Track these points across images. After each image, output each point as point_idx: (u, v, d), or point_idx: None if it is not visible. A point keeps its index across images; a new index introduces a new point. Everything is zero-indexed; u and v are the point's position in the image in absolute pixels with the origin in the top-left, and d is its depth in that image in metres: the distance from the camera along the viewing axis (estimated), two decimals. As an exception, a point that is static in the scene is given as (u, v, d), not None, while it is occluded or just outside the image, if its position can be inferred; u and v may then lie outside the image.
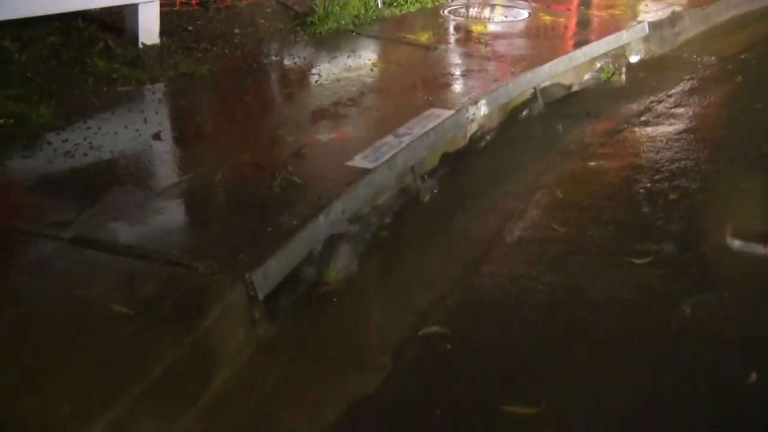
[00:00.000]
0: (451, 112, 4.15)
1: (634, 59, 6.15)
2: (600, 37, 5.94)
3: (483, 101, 4.41)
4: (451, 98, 4.44)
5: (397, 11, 6.47)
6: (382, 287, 3.08)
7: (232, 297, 2.54)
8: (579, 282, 3.06)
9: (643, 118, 4.87)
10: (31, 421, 1.98)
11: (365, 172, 3.42)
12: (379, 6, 6.32)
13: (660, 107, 5.05)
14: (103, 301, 2.41)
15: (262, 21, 5.64)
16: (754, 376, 2.43)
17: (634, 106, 5.10)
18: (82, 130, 3.69)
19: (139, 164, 3.42)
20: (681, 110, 4.99)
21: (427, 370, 2.59)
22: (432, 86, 4.68)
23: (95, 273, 2.58)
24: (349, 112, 4.20)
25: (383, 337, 2.76)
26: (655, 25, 6.45)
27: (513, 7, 6.94)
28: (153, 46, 4.81)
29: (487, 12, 6.76)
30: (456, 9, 6.75)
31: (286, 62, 5.06)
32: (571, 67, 5.44)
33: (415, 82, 4.78)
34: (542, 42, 5.97)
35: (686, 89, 5.41)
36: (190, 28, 5.22)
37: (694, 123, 4.78)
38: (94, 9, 4.71)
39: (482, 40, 5.80)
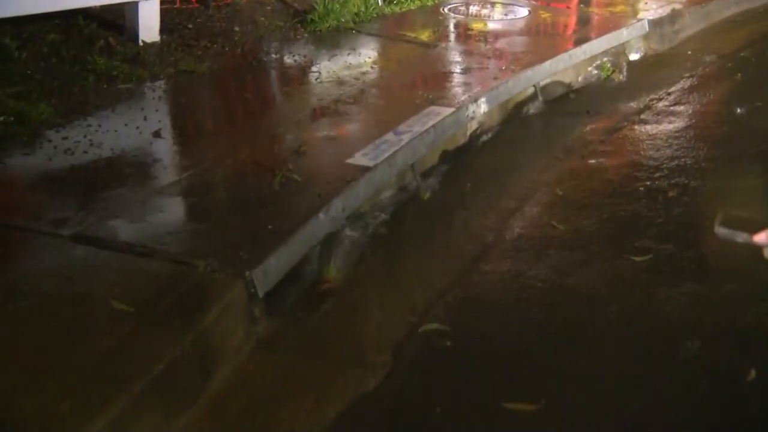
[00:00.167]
0: (451, 110, 4.15)
1: (634, 57, 6.15)
2: (600, 35, 5.93)
3: (483, 99, 4.41)
4: (452, 96, 4.44)
5: (397, 9, 6.46)
6: (382, 285, 3.09)
7: (233, 295, 2.54)
8: (578, 279, 3.06)
9: (642, 116, 4.87)
10: (32, 419, 1.98)
11: (365, 169, 3.42)
12: (380, 4, 6.32)
13: (660, 105, 5.05)
14: (103, 298, 2.42)
15: (262, 19, 5.63)
16: (753, 373, 2.43)
17: (634, 104, 5.10)
18: (83, 128, 3.69)
19: (139, 162, 3.43)
20: (681, 108, 4.99)
21: (427, 367, 2.59)
22: (432, 84, 4.68)
23: (95, 270, 2.59)
24: (349, 109, 4.20)
25: (383, 335, 2.76)
26: (655, 23, 6.44)
27: (513, 4, 6.93)
28: (153, 44, 4.81)
29: (487, 10, 6.76)
30: (456, 7, 6.74)
31: (286, 60, 5.06)
32: (571, 65, 5.44)
33: (415, 80, 4.78)
34: (542, 40, 5.97)
35: (686, 87, 5.41)
36: (190, 25, 5.22)
37: (693, 121, 4.78)
38: (95, 6, 4.72)
39: (482, 37, 5.79)
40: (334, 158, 3.55)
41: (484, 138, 4.48)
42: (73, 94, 4.06)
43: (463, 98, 4.37)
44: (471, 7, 6.78)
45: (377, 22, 6.06)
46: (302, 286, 2.93)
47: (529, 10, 6.76)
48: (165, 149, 3.62)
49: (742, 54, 6.12)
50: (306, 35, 5.56)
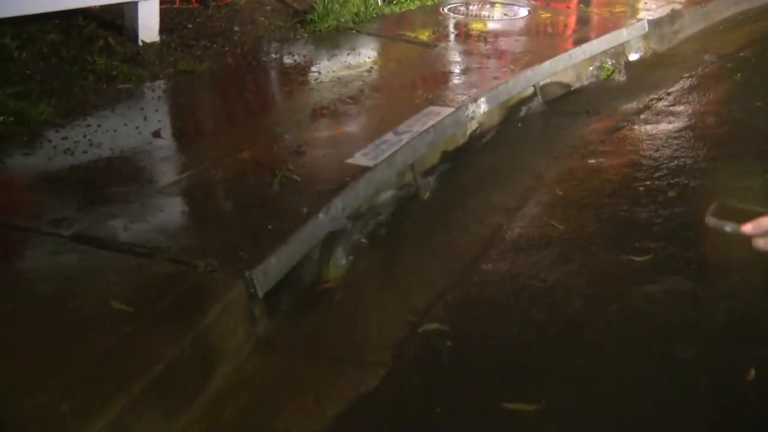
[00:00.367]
0: (450, 110, 4.15)
1: (633, 57, 6.15)
2: (600, 34, 5.93)
3: (483, 99, 4.41)
4: (451, 96, 4.44)
5: (396, 9, 6.46)
6: (382, 285, 3.08)
7: (232, 295, 2.54)
8: (578, 279, 3.06)
9: (642, 116, 4.87)
10: (32, 419, 1.98)
11: (365, 169, 3.42)
12: (379, 4, 6.32)
13: (659, 105, 5.05)
14: (103, 298, 2.41)
15: (262, 19, 5.63)
16: (753, 373, 2.43)
17: (634, 104, 5.10)
18: (82, 128, 3.69)
19: (138, 162, 3.43)
20: (680, 108, 4.99)
21: (427, 367, 2.59)
22: (432, 84, 4.68)
23: (95, 270, 2.58)
24: (348, 109, 4.20)
25: (383, 335, 2.76)
26: (654, 23, 6.44)
27: (513, 4, 6.94)
28: (153, 44, 4.81)
29: (486, 10, 6.76)
30: (456, 7, 6.74)
31: (286, 60, 5.05)
32: (570, 65, 5.44)
33: (415, 80, 4.78)
34: (542, 40, 5.97)
35: (686, 87, 5.41)
36: (189, 25, 5.22)
37: (693, 121, 4.78)
38: (94, 7, 4.71)
39: (482, 37, 5.80)
40: (333, 158, 3.55)
41: (484, 138, 4.48)
42: (73, 94, 4.05)
43: (462, 98, 4.37)
44: (471, 7, 6.78)
45: (377, 22, 6.06)
46: (302, 286, 2.93)
47: (528, 10, 6.76)
48: (165, 149, 3.62)
49: (741, 54, 6.12)
50: (306, 35, 5.55)
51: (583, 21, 6.65)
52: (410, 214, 3.60)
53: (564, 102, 5.22)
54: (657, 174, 3.94)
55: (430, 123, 3.95)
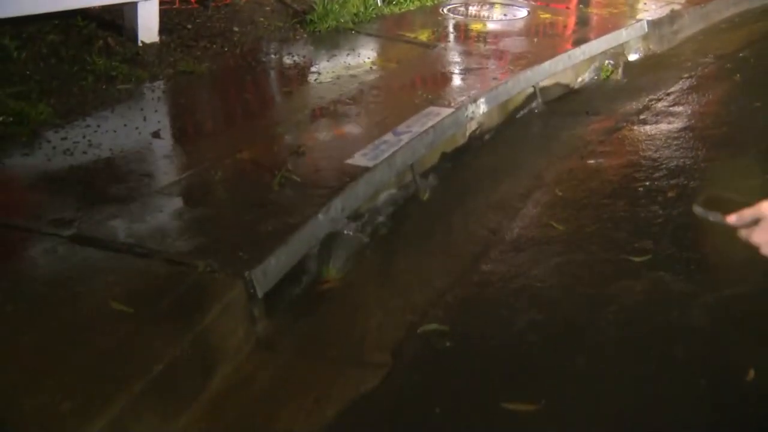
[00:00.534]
0: (450, 111, 4.15)
1: (633, 57, 6.15)
2: (599, 35, 5.94)
3: (482, 99, 4.41)
4: (451, 96, 4.44)
5: (396, 9, 6.46)
6: (382, 285, 3.08)
7: (232, 295, 2.54)
8: (578, 279, 3.06)
9: (642, 117, 4.87)
10: (32, 419, 1.98)
11: (365, 170, 3.42)
12: (379, 4, 6.32)
13: (659, 105, 5.05)
14: (103, 298, 2.41)
15: (262, 19, 5.63)
16: (752, 374, 2.44)
17: (633, 105, 5.10)
18: (82, 128, 3.69)
19: (138, 162, 3.42)
20: (680, 108, 5.00)
21: (427, 367, 2.59)
22: (431, 84, 4.69)
23: (95, 271, 2.58)
24: (348, 110, 4.20)
25: (383, 335, 2.76)
26: (654, 24, 6.45)
27: (512, 5, 6.94)
28: (152, 44, 4.81)
29: (486, 10, 6.76)
30: (455, 7, 6.75)
31: (286, 60, 5.06)
32: (570, 66, 5.44)
33: (415, 81, 4.78)
34: (541, 40, 5.97)
35: (685, 87, 5.41)
36: (189, 26, 5.22)
37: (692, 121, 4.79)
38: (94, 7, 4.71)
39: (481, 38, 5.80)
40: (333, 158, 3.54)
41: (484, 138, 4.49)
42: (73, 94, 4.05)
43: (462, 99, 4.37)
44: (470, 8, 6.78)
45: (376, 23, 6.06)
46: (302, 286, 2.93)
47: (528, 11, 6.77)
48: (164, 150, 3.62)
49: (741, 54, 6.13)
50: (305, 36, 5.55)
51: (583, 21, 6.65)
52: (410, 215, 3.60)
53: (563, 102, 5.22)
54: (656, 174, 3.94)
55: (430, 123, 3.96)
